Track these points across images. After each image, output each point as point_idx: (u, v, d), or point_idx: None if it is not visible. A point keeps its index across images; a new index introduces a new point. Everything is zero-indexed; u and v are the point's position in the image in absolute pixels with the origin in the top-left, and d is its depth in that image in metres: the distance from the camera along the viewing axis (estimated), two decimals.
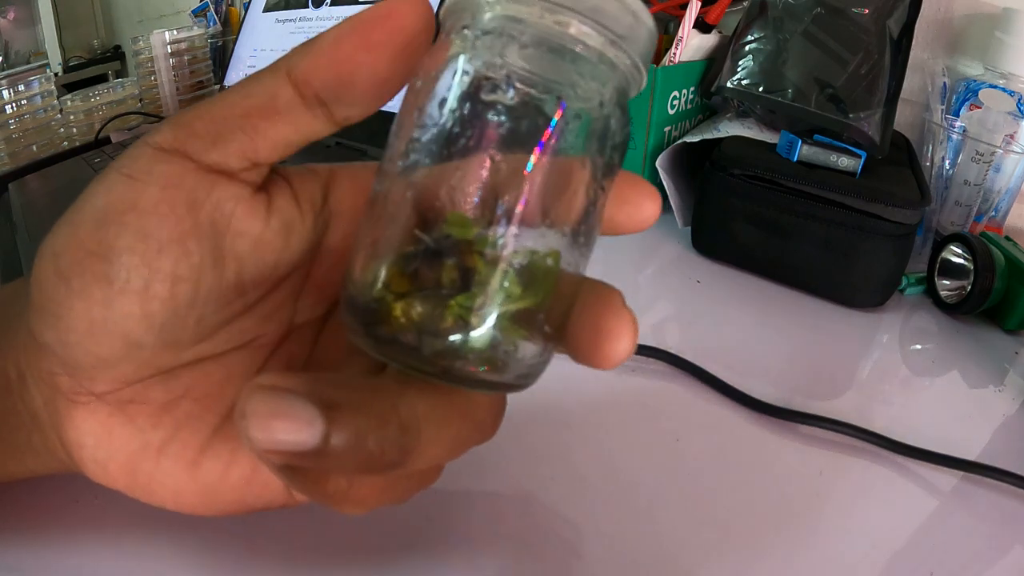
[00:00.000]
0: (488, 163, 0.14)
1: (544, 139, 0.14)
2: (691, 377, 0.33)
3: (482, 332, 0.14)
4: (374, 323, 0.14)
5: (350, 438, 0.13)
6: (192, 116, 0.16)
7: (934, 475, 0.28)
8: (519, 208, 0.14)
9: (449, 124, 0.14)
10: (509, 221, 0.14)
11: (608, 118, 0.15)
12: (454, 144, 0.14)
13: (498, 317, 0.14)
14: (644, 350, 0.34)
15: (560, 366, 0.33)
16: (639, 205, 0.17)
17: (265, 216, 0.17)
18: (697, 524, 0.24)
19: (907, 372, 0.36)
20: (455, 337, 0.14)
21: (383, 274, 0.14)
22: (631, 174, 0.17)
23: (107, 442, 0.17)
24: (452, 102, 0.14)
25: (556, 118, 0.14)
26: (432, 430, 0.14)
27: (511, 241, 0.14)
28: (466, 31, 0.15)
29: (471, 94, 0.14)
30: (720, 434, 0.29)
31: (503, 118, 0.14)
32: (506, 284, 0.14)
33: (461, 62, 0.14)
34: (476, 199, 0.14)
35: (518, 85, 0.14)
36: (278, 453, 0.12)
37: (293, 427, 0.12)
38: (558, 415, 0.29)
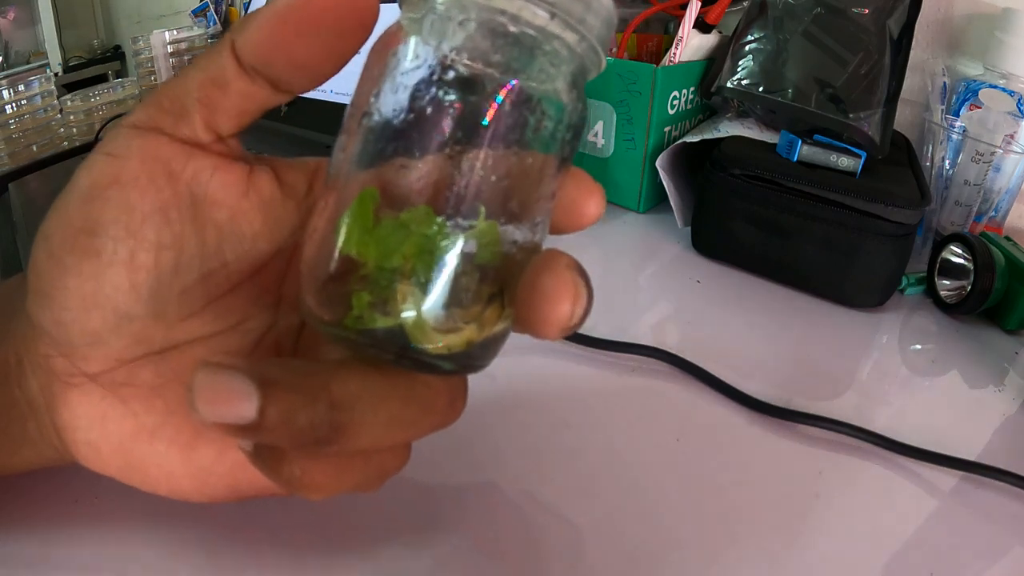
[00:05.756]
0: (437, 145, 0.14)
1: (494, 121, 0.14)
2: (691, 377, 0.33)
3: (430, 311, 0.14)
4: (327, 308, 0.15)
5: (282, 413, 0.13)
6: (159, 94, 0.17)
7: (934, 475, 0.28)
8: (468, 189, 0.14)
9: (398, 107, 0.14)
10: (458, 201, 0.14)
11: (561, 99, 0.15)
12: (403, 127, 0.14)
13: (447, 296, 0.14)
14: (644, 350, 0.34)
15: (560, 367, 0.33)
16: (580, 203, 0.17)
17: (243, 189, 0.18)
18: (697, 524, 0.24)
19: (907, 372, 0.36)
20: (406, 316, 0.14)
21: (335, 257, 0.14)
22: (576, 170, 0.17)
23: (100, 425, 0.17)
24: (401, 85, 0.14)
25: (506, 100, 0.14)
26: (367, 409, 0.15)
27: (458, 221, 0.14)
28: (417, 14, 0.15)
29: (421, 77, 0.14)
30: (720, 434, 0.29)
31: (454, 99, 0.14)
32: (455, 263, 0.14)
33: (412, 45, 0.14)
34: (425, 181, 0.14)
35: (469, 66, 0.14)
36: (223, 426, 0.13)
37: (232, 400, 0.13)
38: (558, 415, 0.29)
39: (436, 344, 0.14)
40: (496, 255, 0.14)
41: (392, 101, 0.14)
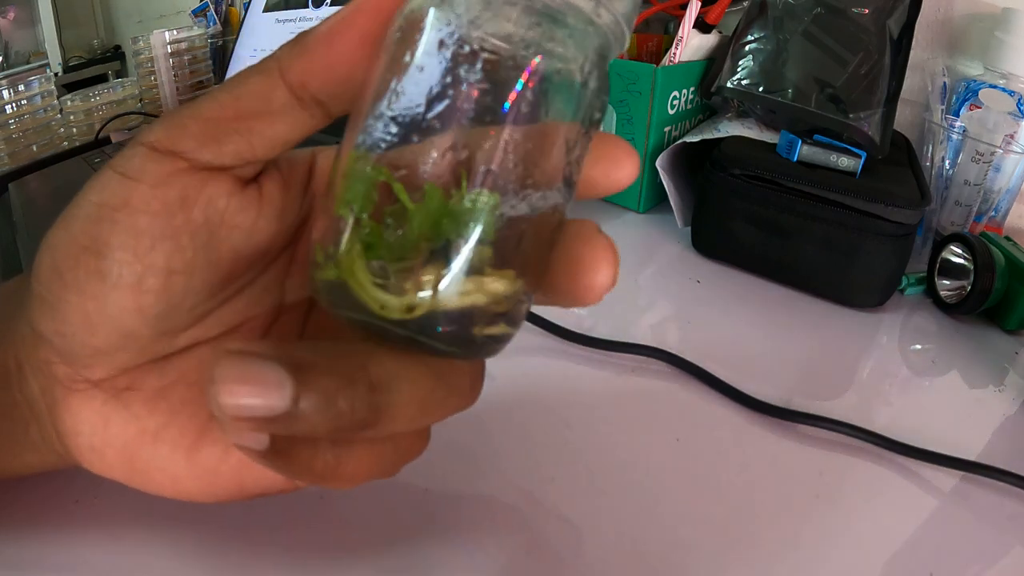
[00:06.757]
0: (457, 123, 0.13)
1: (516, 98, 0.13)
2: (691, 377, 0.33)
3: (446, 294, 0.13)
4: (341, 292, 0.14)
5: (320, 399, 0.12)
6: (186, 116, 0.15)
7: (934, 475, 0.28)
8: (488, 168, 0.13)
9: (416, 82, 0.13)
10: (477, 182, 0.13)
11: (587, 76, 0.14)
12: (421, 104, 0.13)
13: (462, 280, 0.13)
14: (644, 350, 0.34)
15: (560, 367, 0.33)
16: (617, 163, 0.16)
17: (258, 206, 0.17)
18: (697, 524, 0.24)
19: (907, 372, 0.36)
20: (420, 298, 0.13)
21: (345, 239, 0.14)
22: (609, 134, 0.17)
23: (103, 429, 0.17)
24: (421, 58, 0.13)
25: (530, 75, 0.13)
26: (404, 389, 0.14)
27: (476, 202, 0.13)
28: None
29: (443, 51, 0.13)
30: (720, 434, 0.29)
31: (475, 74, 0.13)
32: (471, 247, 0.13)
33: (432, 17, 0.14)
34: (443, 161, 0.13)
35: (492, 41, 0.13)
36: (249, 421, 0.12)
37: (262, 390, 0.12)
38: (558, 415, 0.29)
39: (451, 325, 0.13)
40: (515, 236, 0.14)
41: (403, 74, 0.14)
